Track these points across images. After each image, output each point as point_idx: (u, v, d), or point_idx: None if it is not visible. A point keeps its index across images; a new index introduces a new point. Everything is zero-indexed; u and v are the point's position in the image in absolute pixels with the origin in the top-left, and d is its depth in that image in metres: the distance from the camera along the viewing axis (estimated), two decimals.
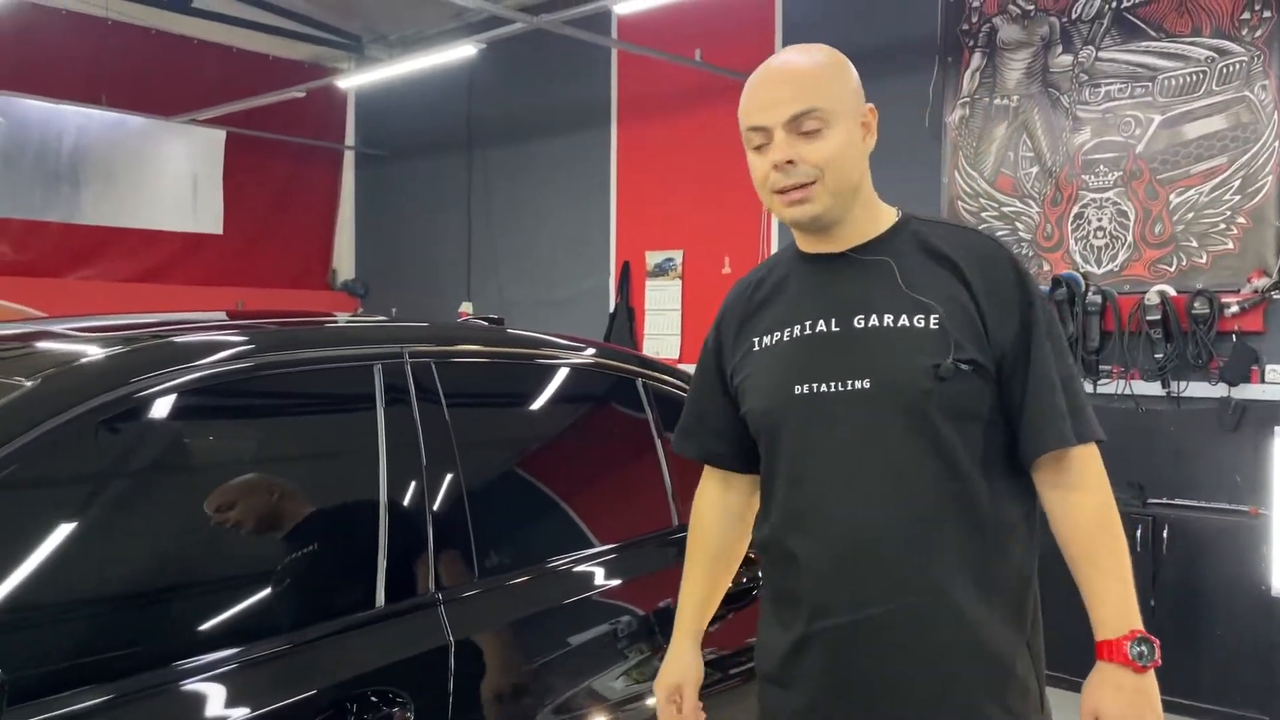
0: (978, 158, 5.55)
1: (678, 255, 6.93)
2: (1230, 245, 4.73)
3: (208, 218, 8.22)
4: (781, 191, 1.57)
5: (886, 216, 1.65)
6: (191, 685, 1.49)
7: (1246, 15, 4.69)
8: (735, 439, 1.74)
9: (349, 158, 9.15)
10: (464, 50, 5.97)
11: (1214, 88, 4.78)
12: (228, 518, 1.62)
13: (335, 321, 2.28)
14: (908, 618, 1.49)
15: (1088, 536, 1.52)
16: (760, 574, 1.75)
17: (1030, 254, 5.32)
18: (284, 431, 1.86)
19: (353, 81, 7.37)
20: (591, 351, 2.46)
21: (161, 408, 1.61)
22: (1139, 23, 5.01)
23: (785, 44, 6.31)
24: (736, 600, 2.16)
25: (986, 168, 5.52)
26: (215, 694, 1.50)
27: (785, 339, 1.61)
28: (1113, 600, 1.50)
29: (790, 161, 1.54)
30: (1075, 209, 5.19)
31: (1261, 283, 4.59)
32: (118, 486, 1.61)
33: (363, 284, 9.03)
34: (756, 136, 1.59)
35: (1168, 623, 4.39)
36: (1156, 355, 4.79)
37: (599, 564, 2.17)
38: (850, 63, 1.65)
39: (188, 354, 1.67)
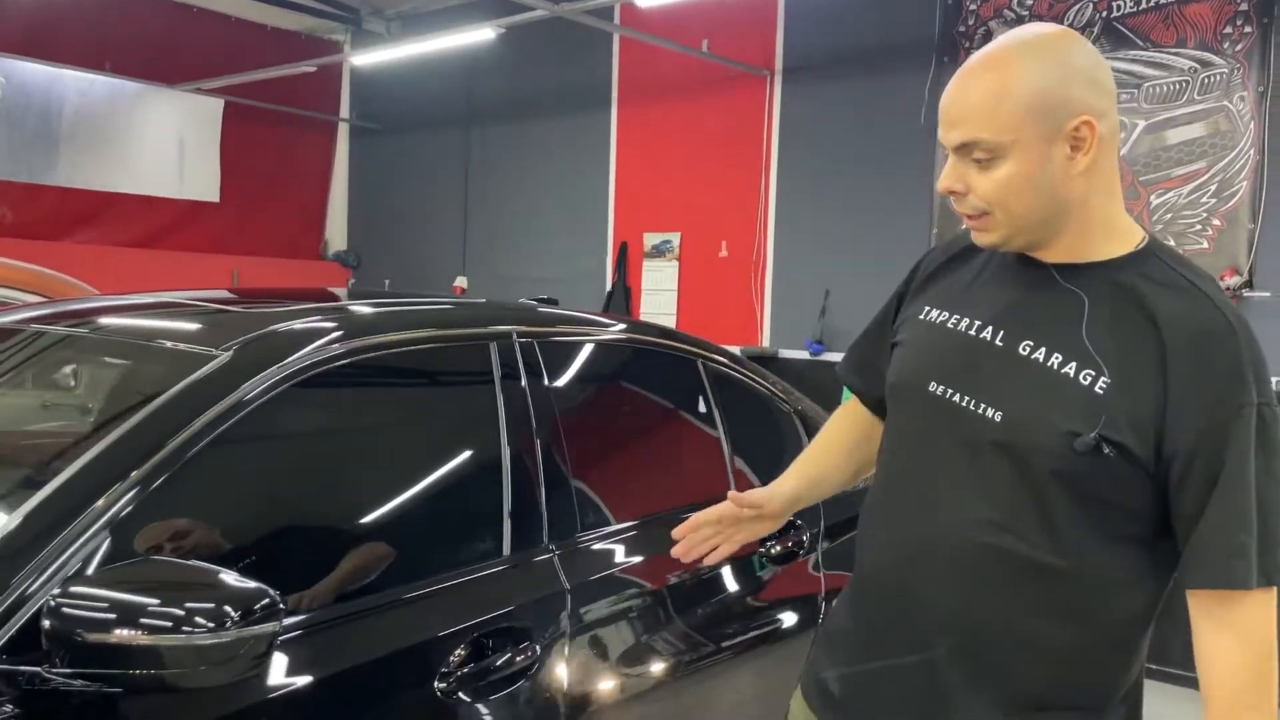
0: None
1: (675, 237, 7.17)
2: (1205, 245, 5.07)
3: (205, 185, 8.29)
4: (963, 213, 1.41)
5: (1120, 242, 1.39)
6: (368, 618, 1.71)
7: (1229, 29, 5.01)
8: (876, 381, 1.60)
9: (343, 129, 9.24)
10: (482, 34, 6.13)
11: (1195, 97, 5.11)
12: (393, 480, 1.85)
13: (449, 305, 2.49)
14: (954, 661, 1.37)
15: (1233, 690, 1.29)
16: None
17: None
18: (427, 399, 2.09)
19: (369, 58, 7.48)
20: (658, 333, 2.71)
21: (335, 375, 1.83)
22: (1127, 32, 5.32)
23: (787, 40, 6.58)
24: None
25: None
26: (388, 624, 1.73)
27: (949, 324, 1.45)
28: None
29: (956, 192, 1.38)
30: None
31: (1234, 281, 4.94)
32: (303, 444, 1.83)
33: (355, 255, 9.14)
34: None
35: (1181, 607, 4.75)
36: None
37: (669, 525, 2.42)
38: (1059, 59, 1.33)
39: (360, 328, 1.90)
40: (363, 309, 2.16)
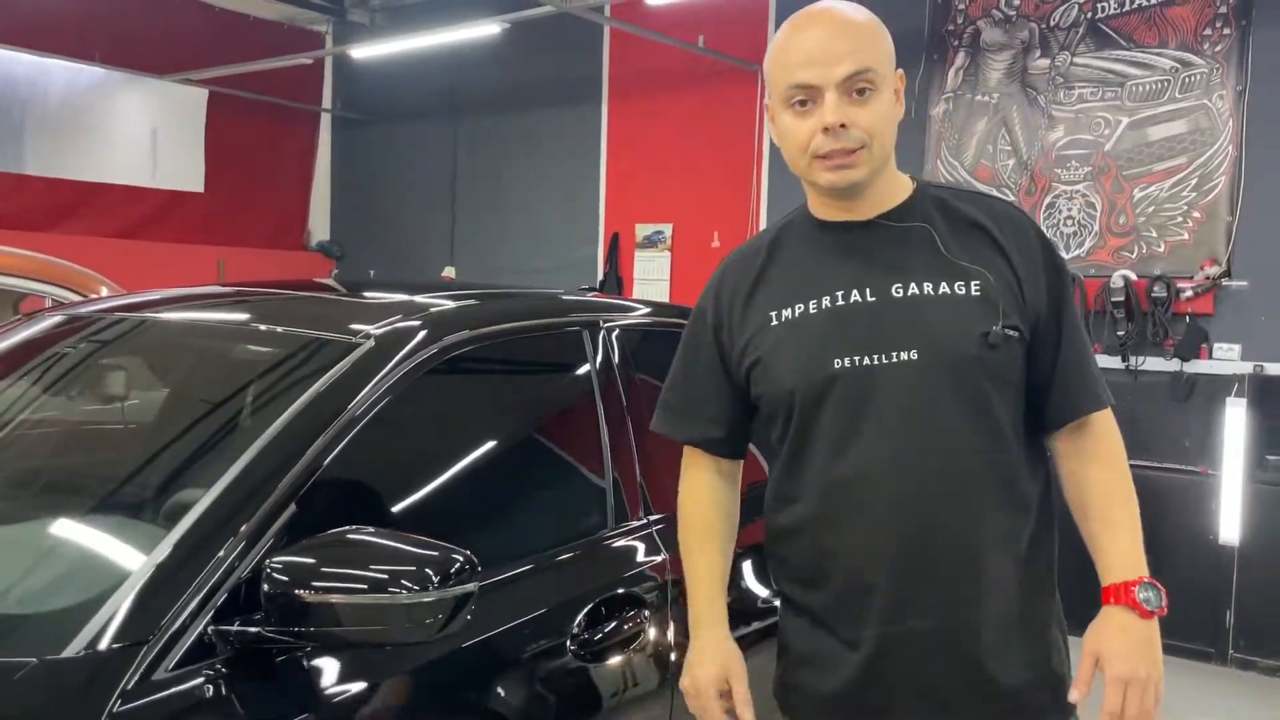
0: (959, 149, 6.07)
1: (667, 228, 7.31)
2: (1186, 236, 5.34)
3: (189, 176, 8.25)
4: (825, 156, 1.45)
5: (904, 184, 1.57)
6: (505, 586, 1.84)
7: (1209, 31, 5.27)
8: (734, 424, 1.65)
9: (325, 119, 9.23)
10: (487, 29, 6.21)
11: (1177, 95, 5.37)
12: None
13: (543, 296, 2.62)
14: (955, 597, 1.48)
15: (1107, 496, 1.52)
16: (771, 556, 1.67)
17: None
18: (537, 383, 2.23)
19: (367, 51, 7.48)
20: None
21: (463, 360, 1.96)
22: (1111, 33, 5.56)
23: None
24: None
25: (967, 158, 6.04)
26: (524, 590, 1.86)
27: (812, 311, 1.51)
28: (1123, 549, 1.50)
29: (843, 125, 1.43)
30: (1048, 199, 5.75)
31: (1213, 270, 5.21)
32: (443, 425, 1.95)
33: (338, 245, 9.16)
34: (799, 94, 1.45)
35: None
36: (1119, 333, 5.39)
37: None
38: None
39: (481, 319, 2.03)
40: (472, 301, 2.28)
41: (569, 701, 1.88)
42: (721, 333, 1.61)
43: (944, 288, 1.47)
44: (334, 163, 9.27)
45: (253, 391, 1.86)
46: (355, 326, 1.91)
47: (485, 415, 2.07)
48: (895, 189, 1.54)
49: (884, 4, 5.48)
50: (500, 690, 1.76)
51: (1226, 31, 5.22)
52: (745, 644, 1.71)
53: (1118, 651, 1.46)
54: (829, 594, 1.54)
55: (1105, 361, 5.42)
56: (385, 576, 1.44)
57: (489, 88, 8.02)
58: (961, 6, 6.06)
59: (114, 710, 1.31)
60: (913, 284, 1.48)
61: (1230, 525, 4.81)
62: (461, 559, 1.48)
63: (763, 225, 6.85)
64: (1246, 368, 5.05)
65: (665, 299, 7.24)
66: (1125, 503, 1.53)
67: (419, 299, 2.15)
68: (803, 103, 1.45)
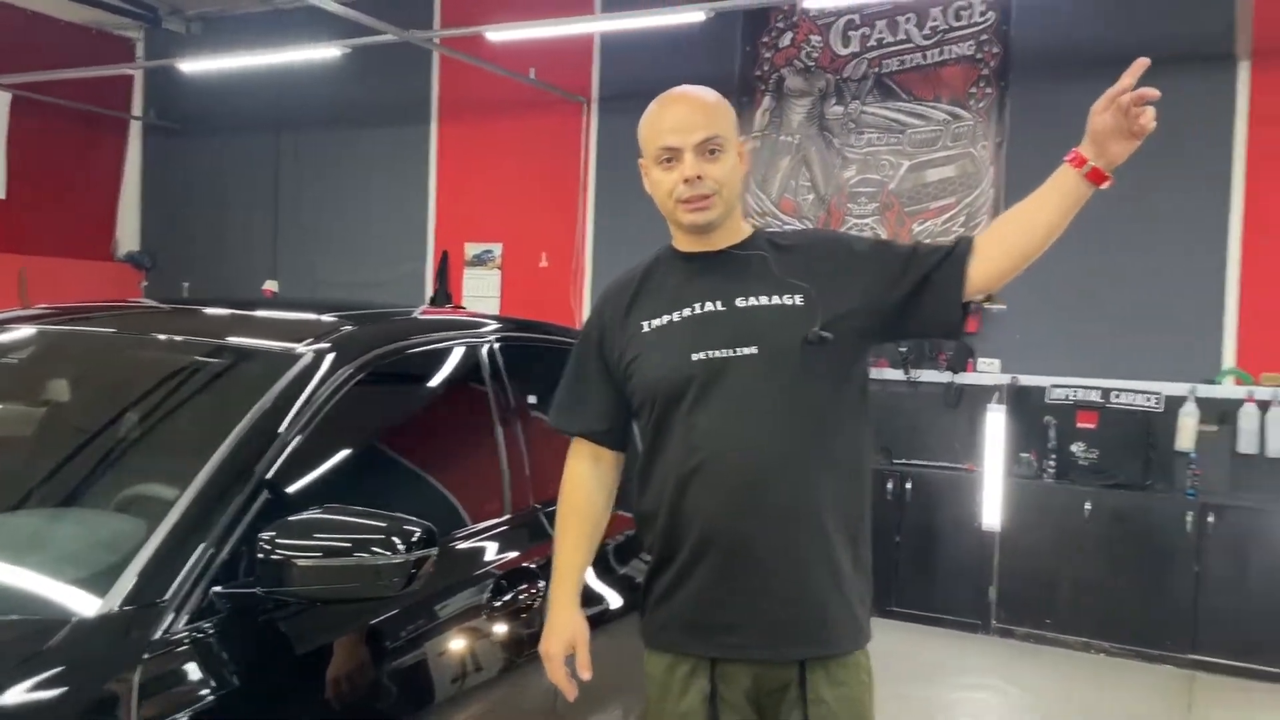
0: (765, 183, 6.74)
1: (497, 248, 7.64)
2: None
3: None
4: (686, 200, 1.86)
5: (746, 228, 1.99)
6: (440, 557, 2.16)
7: (974, 90, 6.15)
8: (614, 418, 2.01)
9: (135, 127, 9.00)
10: (328, 51, 6.35)
11: (948, 143, 6.21)
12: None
13: (451, 315, 2.93)
14: (782, 540, 1.83)
15: (1015, 210, 1.89)
16: (641, 521, 1.98)
17: None
18: (450, 390, 2.55)
19: (197, 66, 7.40)
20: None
21: (391, 369, 2.27)
22: (895, 86, 6.37)
23: (602, 73, 7.23)
24: None
25: (772, 191, 6.72)
26: (451, 562, 2.19)
27: (676, 319, 1.90)
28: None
29: (699, 177, 1.84)
30: (842, 229, 6.49)
31: (978, 296, 6.05)
32: (371, 423, 2.25)
33: (149, 256, 8.93)
34: (665, 154, 1.88)
35: (911, 554, 5.76)
36: (900, 349, 6.16)
37: None
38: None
39: (405, 332, 2.36)
40: (394, 318, 2.58)
41: (486, 653, 2.23)
42: (604, 345, 1.99)
43: (775, 299, 1.87)
44: (145, 172, 9.05)
45: (215, 395, 2.11)
46: (300, 338, 2.19)
47: (408, 416, 2.39)
48: (740, 230, 1.97)
49: (702, 49, 6.09)
50: (438, 641, 2.10)
51: (989, 90, 6.11)
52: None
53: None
54: (687, 545, 1.87)
55: (890, 374, 6.19)
56: (360, 543, 1.76)
57: (317, 104, 8.10)
58: (768, 55, 6.74)
59: (144, 659, 1.57)
60: (752, 296, 1.88)
61: (992, 513, 5.62)
62: (420, 529, 1.81)
63: (589, 248, 7.32)
64: (1005, 379, 5.91)
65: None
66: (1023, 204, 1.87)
67: (327, 318, 2.44)
68: (669, 160, 1.88)
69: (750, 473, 1.83)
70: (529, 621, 2.33)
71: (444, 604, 2.15)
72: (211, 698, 1.62)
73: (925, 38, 6.28)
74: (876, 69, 6.41)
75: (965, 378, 6.07)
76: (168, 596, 1.65)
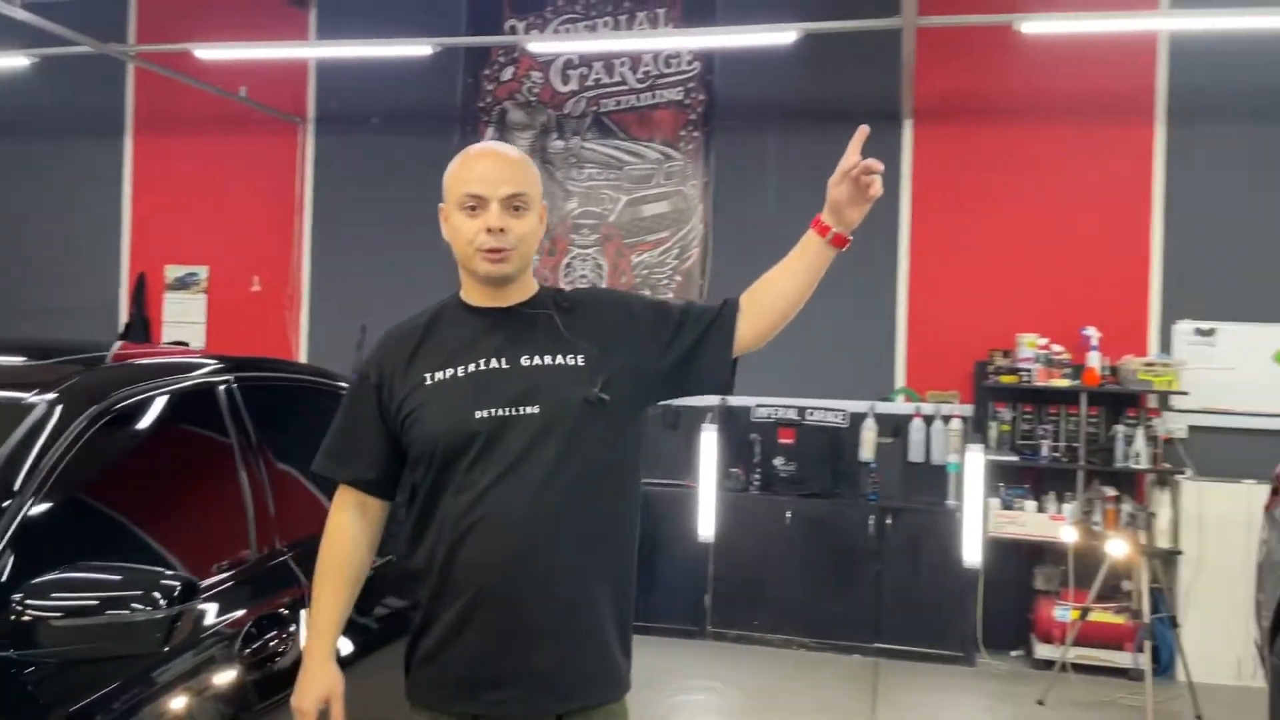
0: None
1: (203, 270, 7.24)
2: (672, 294, 6.60)
3: None
4: (487, 251, 1.87)
5: (533, 285, 2.01)
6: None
7: (684, 132, 6.61)
8: (385, 468, 1.98)
9: None
10: (16, 61, 5.77)
11: (662, 181, 6.64)
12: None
13: (182, 355, 2.80)
14: (550, 600, 1.86)
15: (771, 274, 1.99)
16: (414, 578, 1.96)
17: None
18: (189, 432, 2.46)
19: None
20: (308, 372, 3.23)
21: (138, 410, 2.19)
22: (612, 125, 6.72)
23: (318, 95, 7.08)
24: None
25: None
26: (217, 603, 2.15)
27: (460, 374, 1.90)
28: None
29: (502, 230, 1.86)
30: (565, 260, 6.76)
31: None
32: (114, 470, 2.14)
33: None
34: (471, 200, 1.87)
35: (643, 566, 6.06)
36: None
37: None
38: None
39: (137, 376, 2.27)
40: (125, 364, 2.46)
41: (240, 698, 2.20)
42: (383, 391, 1.95)
43: (559, 359, 1.90)
44: None
45: None
46: (31, 386, 2.07)
47: (153, 459, 2.30)
48: (528, 287, 1.99)
49: (425, 77, 6.12)
50: (192, 690, 2.05)
51: (696, 134, 6.59)
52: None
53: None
54: (457, 604, 1.86)
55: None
56: (118, 600, 1.71)
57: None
58: (490, 88, 6.89)
59: None
60: (536, 356, 1.90)
61: (707, 525, 6.05)
62: (180, 582, 1.79)
63: (305, 271, 7.12)
64: (715, 400, 6.39)
65: (202, 342, 7.17)
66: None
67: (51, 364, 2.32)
68: (473, 208, 1.88)
69: (524, 533, 1.84)
70: (278, 666, 2.33)
71: (194, 653, 2.10)
72: None
73: (639, 81, 6.68)
74: (595, 108, 6.74)
75: (684, 401, 6.47)
76: None
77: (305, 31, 7.03)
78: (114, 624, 1.69)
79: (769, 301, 1.98)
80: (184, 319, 7.19)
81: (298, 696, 1.94)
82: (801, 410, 6.29)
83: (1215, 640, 5.37)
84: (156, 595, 1.74)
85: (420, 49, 6.01)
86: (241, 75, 6.82)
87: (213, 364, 2.65)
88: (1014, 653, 5.91)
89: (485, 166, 1.90)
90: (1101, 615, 5.31)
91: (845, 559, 5.87)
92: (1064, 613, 5.56)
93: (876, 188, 1.89)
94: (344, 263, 7.05)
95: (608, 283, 6.67)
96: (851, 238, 1.94)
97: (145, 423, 2.30)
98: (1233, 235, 5.87)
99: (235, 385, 2.65)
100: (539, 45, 6.19)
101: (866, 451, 6.14)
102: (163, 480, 2.35)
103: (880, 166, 1.88)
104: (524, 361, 1.90)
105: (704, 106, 6.59)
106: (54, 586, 1.68)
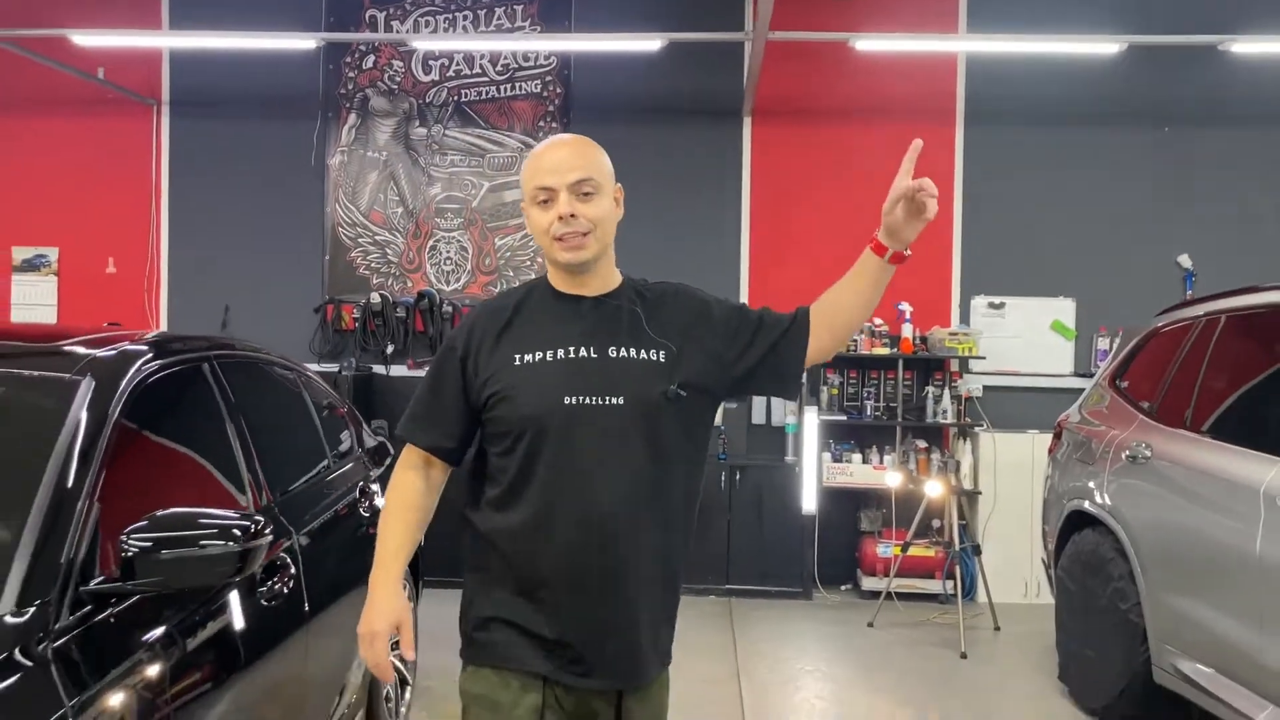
0: (355, 195, 7.11)
1: (52, 252, 7.12)
2: (533, 275, 6.99)
3: None
4: (561, 238, 1.93)
5: (618, 276, 2.06)
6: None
7: (542, 123, 7.06)
8: (461, 438, 2.06)
9: None
10: None
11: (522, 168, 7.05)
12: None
13: (171, 336, 3.06)
14: (621, 582, 1.96)
15: (835, 288, 2.08)
16: (481, 551, 2.03)
17: (397, 274, 7.07)
18: (195, 401, 2.78)
19: None
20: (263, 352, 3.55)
21: (162, 380, 2.52)
22: (474, 115, 7.09)
23: (171, 79, 7.10)
24: None
25: (362, 204, 7.11)
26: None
27: (549, 359, 1.95)
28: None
29: (573, 215, 1.92)
30: (431, 242, 7.09)
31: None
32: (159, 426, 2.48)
33: None
34: (542, 194, 1.94)
35: None
36: None
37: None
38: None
39: (170, 351, 2.60)
40: (134, 343, 2.74)
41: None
42: (468, 364, 2.01)
43: (642, 353, 1.98)
44: None
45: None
46: (60, 369, 2.37)
47: (169, 422, 2.63)
48: (612, 278, 2.06)
49: (284, 62, 6.25)
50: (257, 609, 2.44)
51: (554, 125, 7.05)
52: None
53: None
54: (534, 574, 1.96)
55: None
56: (202, 537, 2.08)
57: None
58: (352, 75, 7.10)
59: (48, 649, 1.81)
60: (622, 348, 1.98)
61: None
62: (251, 523, 2.16)
63: (164, 252, 7.14)
64: None
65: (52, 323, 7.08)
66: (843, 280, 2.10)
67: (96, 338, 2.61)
68: (545, 201, 1.95)
69: (604, 518, 1.93)
70: (292, 597, 2.73)
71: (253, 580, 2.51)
72: (109, 668, 1.91)
73: (499, 73, 7.07)
74: (456, 97, 7.08)
75: None
76: (50, 597, 1.88)
77: (159, 13, 7.01)
78: (200, 557, 2.06)
79: (838, 323, 2.07)
80: (33, 302, 7.06)
81: (366, 622, 2.02)
82: None
83: (1007, 567, 6.36)
84: (237, 533, 2.11)
85: (293, 42, 6.20)
86: (96, 56, 6.75)
87: (198, 342, 2.98)
88: (844, 586, 6.76)
89: (551, 158, 1.97)
90: (918, 549, 6.20)
91: (702, 513, 6.49)
92: (886, 549, 6.45)
93: (932, 208, 1.95)
94: (204, 245, 7.11)
95: (472, 265, 7.06)
96: (909, 252, 2.00)
97: (161, 391, 2.62)
98: (1019, 222, 6.88)
99: (215, 360, 2.98)
100: (425, 43, 6.49)
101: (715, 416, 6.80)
102: (180, 438, 2.67)
103: (935, 189, 1.94)
104: (611, 353, 1.97)
105: (560, 99, 7.05)
106: (151, 527, 2.04)
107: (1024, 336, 6.87)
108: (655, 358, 1.99)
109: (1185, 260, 6.81)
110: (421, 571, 4.35)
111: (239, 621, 2.46)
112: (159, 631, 2.13)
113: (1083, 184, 6.87)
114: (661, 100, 6.90)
